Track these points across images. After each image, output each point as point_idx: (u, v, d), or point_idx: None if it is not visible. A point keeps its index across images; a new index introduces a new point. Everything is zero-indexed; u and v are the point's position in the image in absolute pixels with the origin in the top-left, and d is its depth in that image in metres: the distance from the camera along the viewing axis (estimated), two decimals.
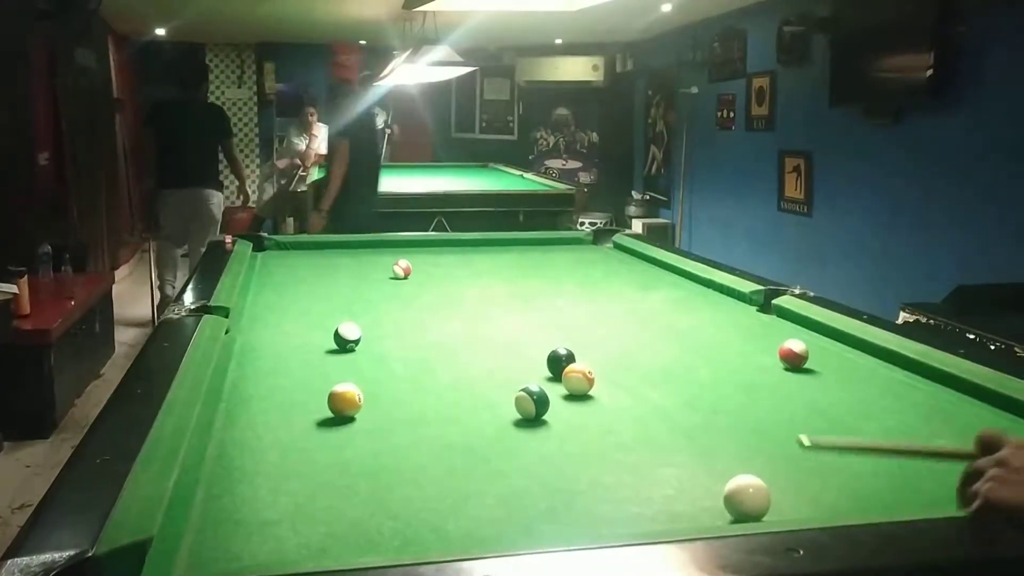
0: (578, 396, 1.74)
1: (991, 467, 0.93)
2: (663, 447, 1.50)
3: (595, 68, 9.12)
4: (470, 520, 1.20)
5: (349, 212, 5.20)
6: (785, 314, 2.41)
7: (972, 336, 2.51)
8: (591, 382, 1.75)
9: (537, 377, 1.81)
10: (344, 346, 2.07)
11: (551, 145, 9.85)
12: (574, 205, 5.64)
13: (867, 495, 1.30)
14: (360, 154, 5.40)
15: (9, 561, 0.96)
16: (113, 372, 4.95)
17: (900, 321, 3.80)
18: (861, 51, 5.05)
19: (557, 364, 1.84)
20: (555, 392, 1.70)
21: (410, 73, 6.26)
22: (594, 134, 9.73)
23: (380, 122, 9.03)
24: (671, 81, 8.08)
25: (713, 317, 2.50)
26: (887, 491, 1.31)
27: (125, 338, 5.61)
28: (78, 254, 5.44)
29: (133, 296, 6.81)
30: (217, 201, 6.17)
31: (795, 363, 1.95)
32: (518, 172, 7.18)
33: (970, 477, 0.94)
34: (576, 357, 1.85)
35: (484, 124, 10.32)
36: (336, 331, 2.08)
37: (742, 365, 2.02)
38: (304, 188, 7.01)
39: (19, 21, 5.40)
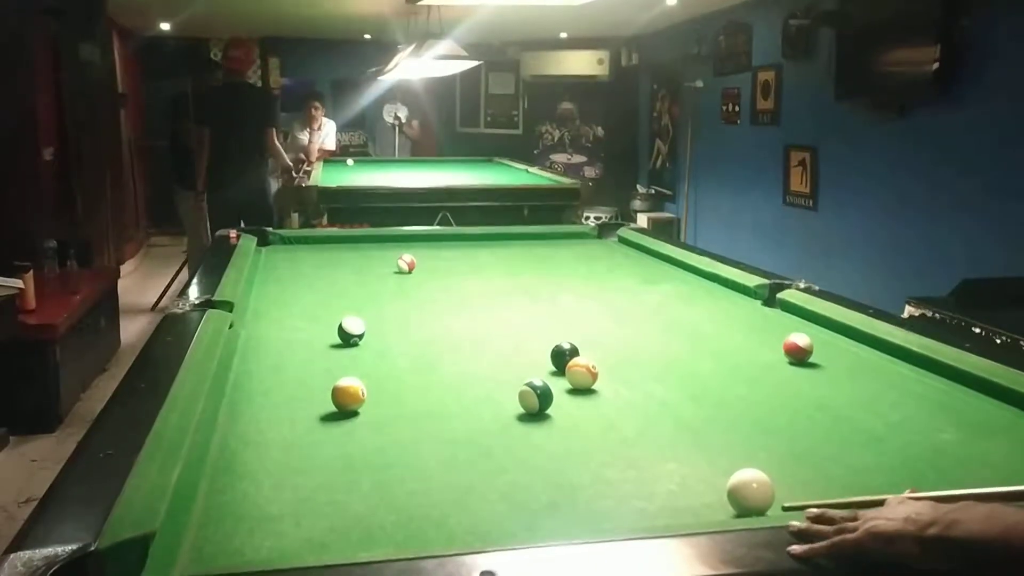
0: (582, 390, 1.74)
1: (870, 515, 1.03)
2: (666, 442, 1.50)
3: (600, 62, 9.10)
4: (472, 514, 1.20)
5: (222, 195, 5.84)
6: (790, 308, 2.40)
7: (978, 330, 2.51)
8: (595, 376, 1.75)
9: (541, 371, 1.81)
10: (348, 340, 2.07)
11: (556, 139, 9.83)
12: (579, 199, 5.62)
13: (870, 489, 1.29)
14: (225, 143, 5.88)
15: (13, 555, 0.96)
16: (118, 367, 4.96)
17: (905, 315, 3.79)
18: (867, 45, 5.03)
19: (561, 358, 1.84)
20: (559, 386, 1.70)
21: (415, 67, 6.25)
22: (599, 128, 9.72)
23: (403, 116, 9.08)
24: (676, 75, 8.06)
25: (717, 311, 2.49)
26: (890, 485, 1.30)
27: (130, 333, 5.62)
28: (83, 249, 5.44)
29: (139, 291, 6.82)
30: (184, 200, 6.46)
31: (800, 357, 1.94)
32: (523, 167, 7.16)
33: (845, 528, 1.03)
34: (580, 351, 1.84)
35: (489, 119, 10.30)
36: (340, 325, 2.08)
37: (746, 359, 2.02)
38: (309, 183, 7.03)
39: (23, 16, 5.40)
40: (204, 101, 6.21)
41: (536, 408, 1.59)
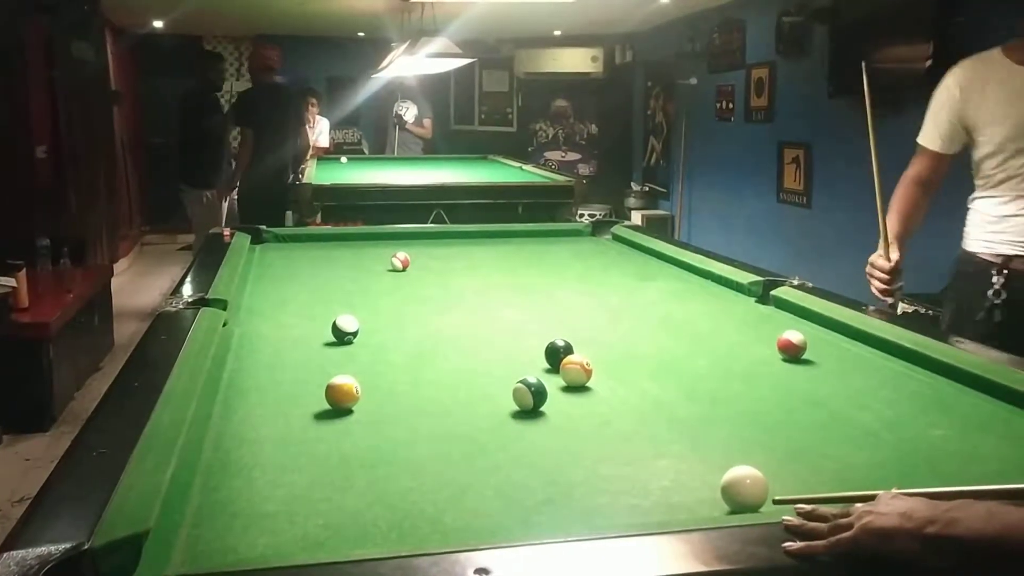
0: (576, 387, 1.74)
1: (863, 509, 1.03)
2: (661, 438, 1.50)
3: (594, 59, 9.10)
4: (467, 512, 1.20)
5: (260, 192, 6.07)
6: (783, 305, 2.40)
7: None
8: (589, 373, 1.75)
9: (535, 369, 1.81)
10: (342, 338, 2.06)
11: (550, 137, 9.83)
12: (573, 197, 5.61)
13: (864, 486, 1.29)
14: (265, 142, 6.14)
15: (5, 554, 0.95)
16: (112, 365, 4.95)
17: (899, 312, 3.80)
18: (860, 41, 5.04)
19: (555, 356, 1.83)
20: (553, 384, 1.70)
21: (409, 65, 6.25)
22: (593, 126, 9.72)
23: (410, 115, 9.05)
24: (670, 72, 8.07)
25: (711, 308, 2.50)
26: (884, 482, 1.30)
27: (124, 331, 5.61)
28: (77, 247, 5.43)
29: (133, 289, 6.81)
30: (197, 198, 6.30)
31: (793, 354, 1.95)
32: (517, 164, 7.15)
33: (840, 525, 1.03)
34: (574, 348, 1.84)
35: (483, 116, 10.30)
36: (334, 323, 2.07)
37: (740, 356, 2.02)
38: (303, 181, 7.02)
39: (16, 13, 5.39)
40: (246, 103, 6.35)
41: (531, 405, 1.59)
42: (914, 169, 2.60)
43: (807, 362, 1.94)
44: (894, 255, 2.36)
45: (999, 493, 1.06)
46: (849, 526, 1.01)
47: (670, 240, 3.70)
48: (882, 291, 2.35)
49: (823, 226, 5.72)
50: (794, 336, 1.96)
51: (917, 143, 2.57)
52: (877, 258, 2.38)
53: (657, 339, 2.19)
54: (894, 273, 2.34)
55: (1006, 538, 0.93)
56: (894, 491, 1.06)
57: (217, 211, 6.21)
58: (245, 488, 1.27)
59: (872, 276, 2.37)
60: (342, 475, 1.32)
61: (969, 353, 1.82)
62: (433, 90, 9.61)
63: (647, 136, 8.83)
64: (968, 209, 2.57)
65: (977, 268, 2.48)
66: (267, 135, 6.15)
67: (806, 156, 5.87)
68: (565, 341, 1.87)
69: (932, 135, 2.53)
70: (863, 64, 2.38)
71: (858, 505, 1.05)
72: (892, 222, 2.47)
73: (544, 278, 2.95)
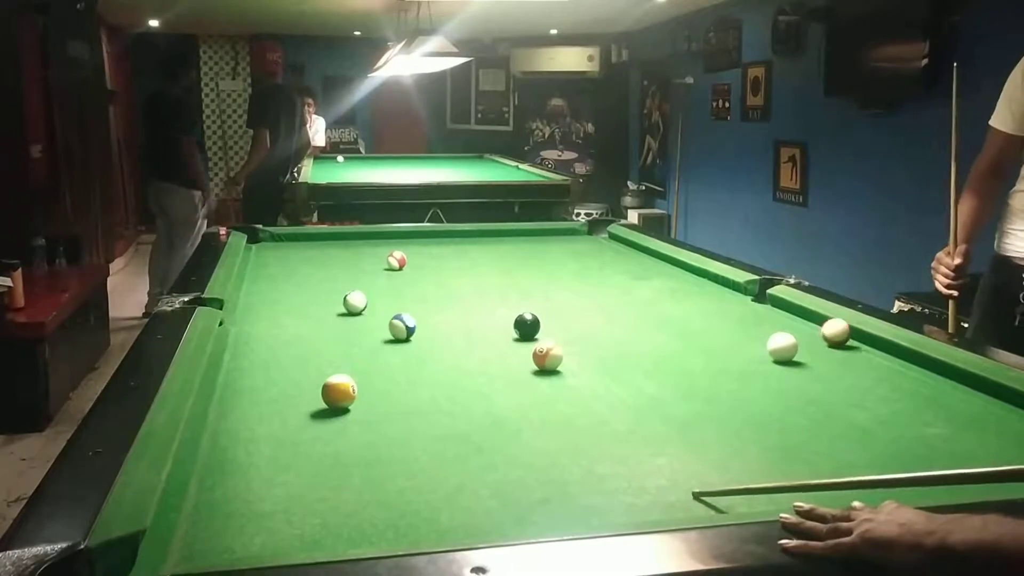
0: (567, 381, 1.76)
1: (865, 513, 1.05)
2: (657, 437, 1.50)
3: (590, 59, 9.11)
4: (463, 511, 1.20)
5: (258, 193, 6.11)
6: (780, 304, 2.41)
7: (965, 325, 2.52)
8: (548, 355, 1.83)
9: (529, 368, 1.83)
10: (356, 313, 2.26)
11: (547, 136, 9.84)
12: (569, 196, 5.62)
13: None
14: (276, 142, 6.25)
15: (2, 554, 0.95)
16: (108, 365, 4.94)
17: (895, 310, 3.81)
18: (856, 41, 5.05)
19: (524, 327, 2.06)
20: (541, 375, 1.71)
21: (405, 64, 6.25)
22: (589, 125, 9.72)
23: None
24: (666, 71, 8.07)
25: (708, 307, 2.50)
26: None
27: (120, 331, 5.59)
28: (72, 246, 5.42)
29: (128, 289, 6.79)
30: (179, 197, 6.04)
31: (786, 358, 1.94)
32: (514, 163, 7.17)
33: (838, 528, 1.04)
34: (562, 342, 1.88)
35: (480, 115, 10.30)
36: (345, 298, 2.22)
37: (736, 355, 2.02)
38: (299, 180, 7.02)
39: (10, 12, 5.38)
40: (261, 103, 6.42)
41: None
42: (987, 155, 2.54)
43: (801, 363, 1.94)
44: (960, 251, 2.38)
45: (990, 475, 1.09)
46: (848, 531, 1.02)
47: (666, 239, 3.70)
48: (946, 286, 2.39)
49: (819, 225, 5.72)
50: (784, 339, 1.94)
51: (989, 126, 2.53)
52: (944, 256, 2.41)
53: (653, 338, 2.19)
54: (959, 271, 2.38)
55: (999, 548, 0.95)
56: (892, 502, 1.07)
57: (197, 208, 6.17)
58: (241, 487, 1.27)
59: (937, 272, 2.41)
60: (338, 474, 1.32)
61: (965, 352, 1.82)
62: (430, 89, 9.61)
63: (643, 135, 8.83)
64: (1007, 206, 2.49)
65: (1011, 272, 2.43)
66: (278, 135, 6.22)
67: (802, 155, 5.87)
68: (532, 315, 2.08)
69: (1004, 116, 2.47)
70: (955, 65, 2.35)
71: (856, 503, 1.06)
72: (962, 216, 2.46)
73: (540, 277, 2.95)
